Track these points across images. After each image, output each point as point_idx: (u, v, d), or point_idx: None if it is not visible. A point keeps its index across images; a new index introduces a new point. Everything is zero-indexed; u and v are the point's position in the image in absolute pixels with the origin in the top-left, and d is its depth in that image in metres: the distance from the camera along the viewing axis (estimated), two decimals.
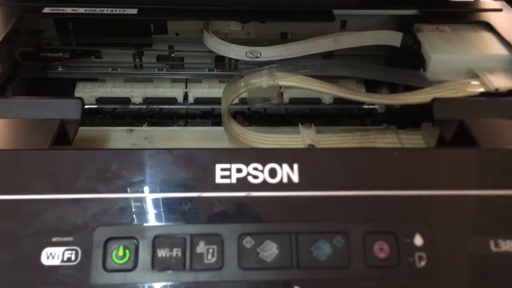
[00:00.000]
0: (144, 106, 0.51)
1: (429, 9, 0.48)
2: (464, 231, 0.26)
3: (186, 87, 0.52)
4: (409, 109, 0.48)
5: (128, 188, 0.27)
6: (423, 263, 0.26)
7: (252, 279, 0.25)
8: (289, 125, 0.49)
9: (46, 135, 0.30)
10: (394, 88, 0.50)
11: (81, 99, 0.35)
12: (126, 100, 0.51)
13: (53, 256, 0.25)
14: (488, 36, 0.44)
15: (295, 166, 0.28)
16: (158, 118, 0.51)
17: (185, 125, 0.50)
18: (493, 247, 0.26)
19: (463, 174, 0.28)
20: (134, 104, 0.52)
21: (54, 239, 0.25)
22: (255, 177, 0.27)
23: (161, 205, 0.26)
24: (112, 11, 0.46)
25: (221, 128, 0.44)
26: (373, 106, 0.52)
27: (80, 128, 0.34)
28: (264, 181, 0.27)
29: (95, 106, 0.51)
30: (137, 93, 0.52)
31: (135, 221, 0.26)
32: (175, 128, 0.48)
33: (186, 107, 0.52)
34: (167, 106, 0.52)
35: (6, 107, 0.34)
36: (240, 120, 0.50)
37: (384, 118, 0.52)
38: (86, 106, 0.36)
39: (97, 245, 0.25)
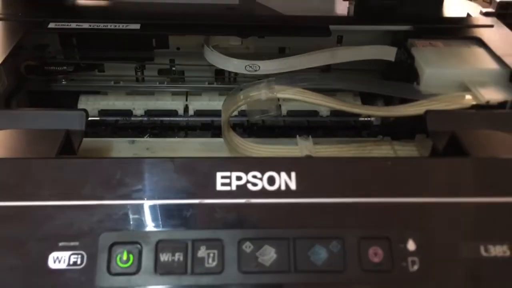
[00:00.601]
0: (146, 118, 0.53)
1: (423, 25, 0.50)
2: (455, 237, 0.27)
3: (186, 100, 0.53)
4: (403, 121, 0.49)
5: (132, 195, 0.28)
6: (416, 267, 0.27)
7: (252, 282, 0.26)
8: (287, 137, 0.50)
9: (52, 145, 0.31)
10: (389, 101, 0.52)
11: (85, 110, 0.36)
12: (128, 112, 0.53)
13: (59, 260, 0.26)
14: (480, 51, 0.46)
15: (293, 174, 0.29)
16: (159, 129, 0.52)
17: (185, 137, 0.51)
18: (483, 252, 0.27)
19: (454, 182, 0.29)
20: (136, 116, 0.53)
21: (60, 244, 0.26)
22: (254, 184, 0.28)
23: (164, 211, 0.27)
24: (116, 26, 0.48)
25: (220, 139, 0.45)
26: (368, 119, 0.54)
27: (84, 139, 0.35)
28: (263, 189, 0.28)
29: (98, 118, 0.52)
30: (138, 105, 0.53)
31: (139, 226, 0.27)
32: (176, 139, 0.49)
33: (186, 119, 0.53)
34: (168, 118, 0.53)
35: (13, 118, 0.35)
36: (239, 132, 0.51)
37: (380, 130, 0.53)
38: (89, 118, 0.37)
39: (102, 250, 0.26)
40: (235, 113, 0.52)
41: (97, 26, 0.47)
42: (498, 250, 0.27)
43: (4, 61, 0.43)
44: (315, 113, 0.53)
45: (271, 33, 0.50)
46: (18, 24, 0.48)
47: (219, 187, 0.28)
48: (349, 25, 0.50)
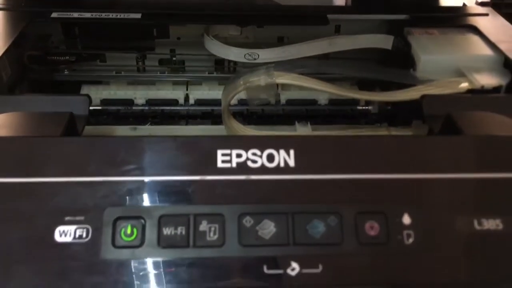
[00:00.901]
0: (147, 107, 0.53)
1: (419, 14, 0.51)
2: (449, 211, 0.28)
3: (187, 89, 0.54)
4: (401, 110, 0.50)
5: (135, 172, 0.28)
6: (411, 240, 0.27)
7: (252, 255, 0.27)
8: (286, 125, 0.51)
9: (57, 126, 0.32)
10: (386, 90, 0.53)
11: (88, 96, 0.37)
12: (130, 102, 0.53)
13: (65, 233, 0.27)
14: (475, 38, 0.47)
15: (291, 151, 0.29)
16: (160, 118, 0.53)
17: (186, 125, 0.52)
18: (476, 226, 0.28)
19: (448, 159, 0.30)
20: (137, 105, 0.53)
21: (66, 218, 0.27)
22: (254, 161, 0.29)
23: (166, 187, 0.28)
24: (117, 16, 0.48)
25: (220, 127, 0.46)
26: (366, 107, 0.55)
27: (87, 127, 0.36)
28: (263, 165, 0.29)
29: (100, 108, 0.53)
30: (140, 95, 0.53)
31: (142, 202, 0.28)
32: (177, 126, 0.50)
33: (187, 108, 0.54)
34: (168, 107, 0.53)
35: (19, 103, 0.35)
36: (239, 120, 0.52)
37: (377, 118, 0.54)
38: (91, 108, 0.38)
39: (107, 224, 0.27)
40: (235, 102, 0.53)
41: (98, 15, 0.48)
42: (491, 224, 0.28)
43: (7, 51, 0.43)
44: (313, 102, 0.54)
45: (270, 22, 0.50)
46: (21, 14, 0.49)
47: (219, 164, 0.29)
48: (346, 14, 0.51)
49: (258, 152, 0.29)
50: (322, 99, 0.54)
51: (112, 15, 0.48)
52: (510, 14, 0.52)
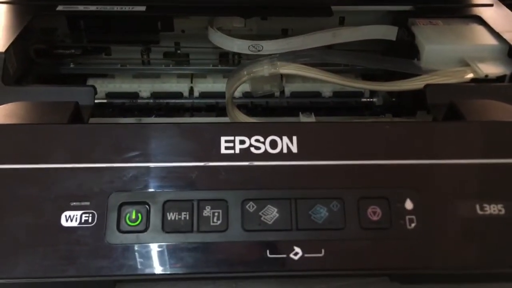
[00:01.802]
0: (152, 100, 0.54)
1: (423, 5, 0.51)
2: (451, 196, 0.28)
3: (191, 82, 0.54)
4: (405, 101, 0.50)
5: (140, 158, 0.29)
6: (413, 225, 0.28)
7: (255, 239, 0.27)
8: (290, 116, 0.51)
9: (63, 115, 0.32)
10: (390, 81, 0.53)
11: (93, 86, 0.37)
12: (135, 95, 0.54)
13: (71, 218, 0.27)
14: (479, 28, 0.47)
15: (294, 138, 0.30)
16: (164, 111, 0.53)
17: (191, 117, 0.52)
18: (479, 211, 0.28)
19: (450, 144, 0.30)
20: (142, 98, 0.54)
21: (72, 204, 0.27)
22: (257, 148, 0.29)
23: (171, 173, 0.28)
24: (122, 8, 0.49)
25: (225, 119, 0.46)
26: (371, 99, 0.55)
27: (92, 119, 0.36)
28: (266, 152, 0.29)
29: (105, 101, 0.53)
30: (145, 88, 0.54)
31: (147, 187, 0.28)
32: (182, 119, 0.51)
33: (191, 101, 0.54)
34: (173, 100, 0.54)
35: (25, 94, 0.36)
36: (243, 113, 0.52)
37: (382, 110, 0.54)
38: (96, 101, 0.38)
39: (112, 209, 0.27)
40: (240, 94, 0.53)
41: (103, 8, 0.48)
42: (493, 209, 0.28)
43: (13, 44, 0.44)
44: (317, 94, 0.54)
45: (274, 14, 0.50)
46: (26, 7, 0.50)
47: (223, 151, 0.29)
48: (351, 5, 0.51)
49: (261, 139, 0.30)
50: (326, 92, 0.54)
51: (117, 8, 0.49)
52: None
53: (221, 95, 0.53)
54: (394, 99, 0.53)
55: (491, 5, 0.52)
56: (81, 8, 0.49)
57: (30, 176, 0.28)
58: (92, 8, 0.49)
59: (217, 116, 0.53)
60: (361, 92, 0.54)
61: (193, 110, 0.54)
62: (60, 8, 0.49)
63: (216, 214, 0.28)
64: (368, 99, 0.55)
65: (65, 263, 0.26)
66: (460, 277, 0.29)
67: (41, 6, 0.49)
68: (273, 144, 0.30)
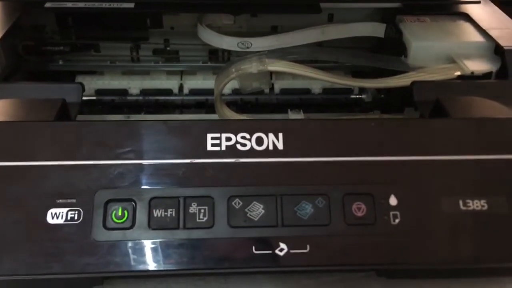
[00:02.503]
0: (141, 97, 0.54)
1: (411, 2, 0.51)
2: (435, 192, 0.29)
3: (181, 79, 0.54)
4: (394, 98, 0.51)
5: (126, 155, 0.29)
6: (397, 221, 0.28)
7: (241, 236, 0.27)
8: (280, 113, 0.51)
9: (49, 112, 0.32)
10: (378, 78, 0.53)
11: (81, 83, 0.37)
12: (124, 92, 0.54)
13: (57, 215, 0.27)
14: (466, 25, 0.47)
15: (280, 135, 0.30)
16: (154, 108, 0.53)
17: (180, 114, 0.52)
18: (462, 206, 0.28)
19: (435, 141, 0.30)
20: (132, 95, 0.54)
21: (58, 201, 0.27)
22: (243, 145, 0.30)
23: (157, 170, 0.29)
24: (110, 5, 0.49)
25: (214, 116, 0.46)
26: (360, 96, 0.55)
27: (80, 116, 0.36)
28: (252, 149, 0.29)
29: (94, 98, 0.53)
30: (134, 84, 0.54)
31: (133, 184, 0.28)
32: (172, 115, 0.51)
33: (181, 98, 0.54)
34: (163, 97, 0.54)
35: (13, 90, 0.36)
36: (233, 110, 0.52)
37: (371, 107, 0.54)
38: (85, 98, 0.38)
39: (98, 206, 0.27)
40: (229, 91, 0.53)
41: (92, 4, 0.48)
42: (476, 204, 0.28)
43: (1, 41, 0.44)
44: (307, 91, 0.54)
45: (263, 10, 0.51)
46: (15, 4, 0.49)
47: (209, 148, 0.29)
48: (339, 2, 0.51)
49: (247, 136, 0.30)
50: (316, 88, 0.54)
51: (106, 5, 0.48)
52: (501, 1, 0.52)
53: (210, 92, 0.53)
54: (382, 96, 0.53)
55: (478, 2, 0.52)
56: (69, 4, 0.48)
57: (16, 173, 0.28)
58: (81, 4, 0.48)
59: (206, 113, 0.53)
60: (351, 89, 0.54)
61: (183, 107, 0.54)
62: (48, 4, 0.48)
63: (202, 210, 0.28)
64: (357, 96, 0.55)
65: (51, 260, 0.26)
66: (443, 272, 0.30)
67: (30, 2, 0.49)
68: (259, 141, 0.30)
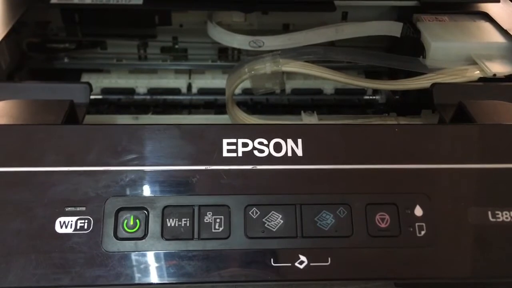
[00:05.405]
0: (149, 97, 0.52)
1: (429, 0, 0.49)
2: (462, 202, 0.27)
3: (189, 78, 0.53)
4: (409, 99, 0.49)
5: (138, 161, 0.27)
6: (423, 233, 0.27)
7: (258, 247, 0.26)
8: (292, 114, 0.50)
9: (57, 114, 0.31)
10: (394, 78, 0.51)
11: (89, 83, 0.36)
12: (131, 91, 0.52)
13: (66, 224, 0.26)
14: (486, 25, 0.46)
15: (299, 140, 0.29)
16: (162, 108, 0.52)
17: (189, 115, 0.51)
18: (490, 217, 0.27)
19: (461, 148, 0.29)
20: (139, 94, 0.52)
21: (67, 209, 0.26)
22: (261, 151, 0.28)
23: (170, 177, 0.27)
24: (118, 1, 0.47)
25: (224, 116, 0.45)
26: (374, 97, 0.53)
27: (88, 116, 0.35)
28: (269, 155, 0.28)
29: (100, 97, 0.52)
30: (141, 83, 0.53)
31: (145, 192, 0.27)
32: (180, 116, 0.49)
33: (189, 97, 0.53)
34: (171, 97, 0.53)
35: (18, 90, 0.35)
36: (243, 110, 0.51)
37: (385, 108, 0.53)
38: (91, 97, 0.37)
39: (109, 215, 0.26)
40: (239, 91, 0.52)
41: (99, 1, 0.47)
42: (505, 216, 0.27)
43: (5, 37, 0.43)
44: (319, 91, 0.53)
45: (275, 8, 0.49)
46: (19, 0, 0.48)
47: (225, 154, 0.28)
48: (354, 0, 0.50)
49: (265, 141, 0.28)
50: (328, 89, 0.53)
51: (113, 1, 0.47)
52: None
53: (220, 91, 0.51)
54: (397, 97, 0.52)
55: (498, 1, 0.50)
56: (76, 1, 0.47)
57: (23, 179, 0.27)
58: (88, 1, 0.47)
59: (215, 113, 0.51)
60: (364, 90, 0.53)
61: (191, 107, 0.52)
62: (54, 0, 0.47)
63: (218, 220, 0.26)
64: (371, 97, 0.54)
65: (59, 272, 0.25)
66: (471, 286, 0.28)
67: None
68: (277, 147, 0.28)
